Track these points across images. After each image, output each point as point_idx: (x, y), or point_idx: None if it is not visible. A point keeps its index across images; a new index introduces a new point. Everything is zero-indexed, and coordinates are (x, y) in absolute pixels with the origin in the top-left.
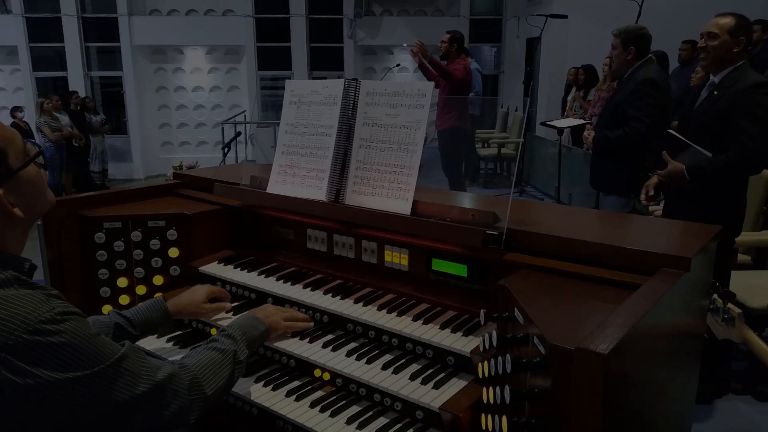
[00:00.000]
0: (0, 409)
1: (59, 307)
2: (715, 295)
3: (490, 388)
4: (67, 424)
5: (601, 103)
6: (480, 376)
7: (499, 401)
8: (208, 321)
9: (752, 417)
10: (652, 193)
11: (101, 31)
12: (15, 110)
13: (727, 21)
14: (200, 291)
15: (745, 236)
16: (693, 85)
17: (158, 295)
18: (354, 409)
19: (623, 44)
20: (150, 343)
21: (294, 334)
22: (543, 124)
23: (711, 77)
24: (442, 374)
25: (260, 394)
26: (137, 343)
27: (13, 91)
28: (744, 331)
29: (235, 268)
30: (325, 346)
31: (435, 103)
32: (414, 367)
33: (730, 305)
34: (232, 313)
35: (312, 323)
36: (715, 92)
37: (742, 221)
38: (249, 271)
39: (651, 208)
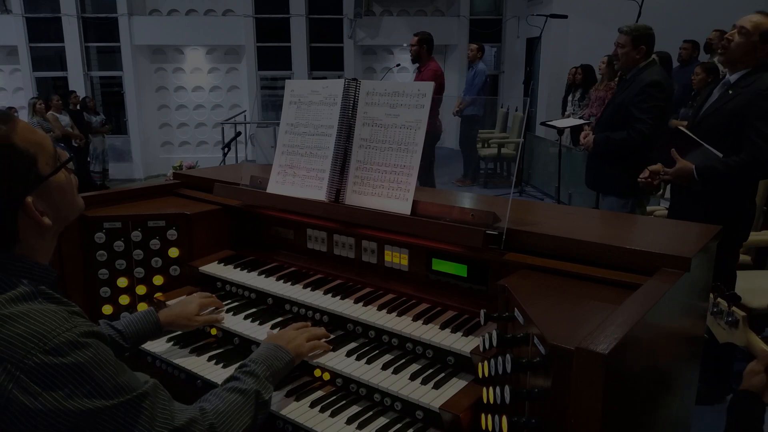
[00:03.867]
0: (5, 428)
1: (82, 327)
2: (719, 298)
3: (490, 388)
4: None
5: (598, 104)
6: (480, 376)
7: (499, 401)
8: None
9: None
10: (647, 174)
11: (101, 31)
12: (11, 111)
13: (764, 21)
14: (193, 303)
15: None
16: (694, 86)
17: (158, 295)
18: (354, 409)
19: (634, 42)
20: (150, 343)
21: None
22: (543, 124)
23: (727, 76)
24: (442, 374)
25: None
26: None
27: (13, 91)
28: (748, 335)
29: (236, 268)
30: None
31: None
32: (414, 367)
33: (734, 308)
34: (232, 313)
35: (329, 337)
36: (730, 91)
37: (750, 225)
38: (249, 271)
39: (650, 208)
